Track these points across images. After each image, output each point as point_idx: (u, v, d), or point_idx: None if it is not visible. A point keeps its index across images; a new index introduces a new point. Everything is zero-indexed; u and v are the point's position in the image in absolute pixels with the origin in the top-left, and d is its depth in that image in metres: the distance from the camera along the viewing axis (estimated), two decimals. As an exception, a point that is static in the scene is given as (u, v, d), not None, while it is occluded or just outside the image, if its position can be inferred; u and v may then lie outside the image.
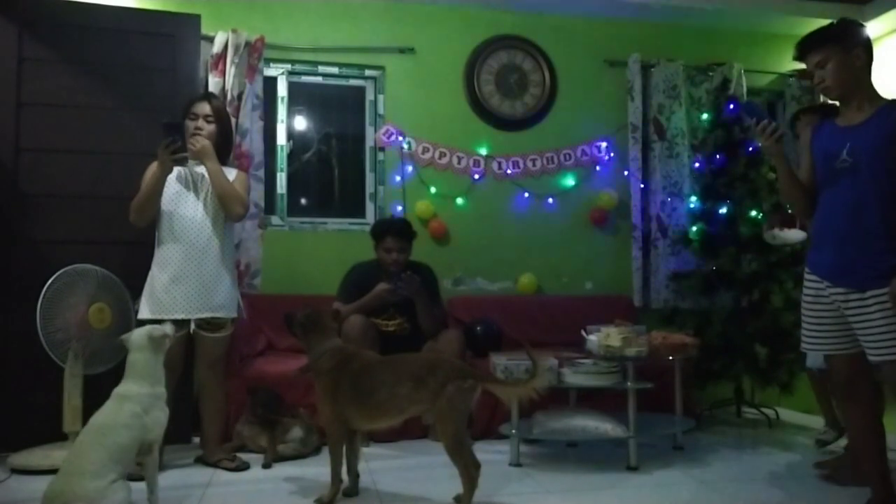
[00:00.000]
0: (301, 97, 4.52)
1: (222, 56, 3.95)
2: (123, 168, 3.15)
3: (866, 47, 2.27)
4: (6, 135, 3.23)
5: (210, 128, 2.98)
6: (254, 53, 4.04)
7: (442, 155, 4.44)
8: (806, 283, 2.40)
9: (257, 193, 3.96)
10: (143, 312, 2.88)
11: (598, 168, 4.65)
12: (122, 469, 2.15)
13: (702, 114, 4.57)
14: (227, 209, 2.93)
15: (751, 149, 3.87)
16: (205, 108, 2.99)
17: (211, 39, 3.93)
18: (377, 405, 2.41)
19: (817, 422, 3.91)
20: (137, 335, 2.39)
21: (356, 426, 2.50)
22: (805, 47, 2.32)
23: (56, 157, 3.29)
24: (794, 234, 3.44)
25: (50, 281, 2.83)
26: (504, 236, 4.49)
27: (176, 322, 2.82)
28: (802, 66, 2.36)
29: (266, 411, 3.14)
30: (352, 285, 3.49)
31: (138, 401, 2.27)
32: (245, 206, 3.01)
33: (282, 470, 2.95)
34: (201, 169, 2.97)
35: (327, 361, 2.51)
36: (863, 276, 2.19)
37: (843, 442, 3.17)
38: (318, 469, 2.82)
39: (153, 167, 2.84)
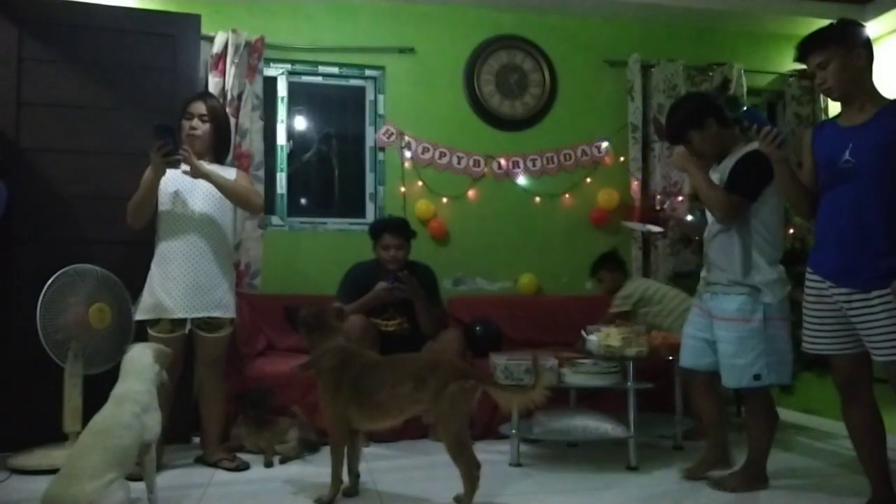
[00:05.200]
0: (301, 97, 4.52)
1: (222, 56, 3.96)
2: (123, 168, 3.14)
3: (867, 47, 2.27)
4: (6, 135, 3.23)
5: (205, 127, 2.98)
6: (254, 53, 4.04)
7: (442, 155, 4.44)
8: (808, 283, 2.40)
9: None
10: (142, 312, 2.88)
11: (598, 168, 4.65)
12: (123, 470, 2.14)
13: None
14: (246, 206, 3.03)
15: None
16: (200, 107, 2.99)
17: (211, 39, 3.93)
18: (378, 405, 2.41)
19: (817, 422, 3.91)
20: (145, 344, 2.50)
21: (357, 426, 2.50)
22: (806, 48, 2.31)
23: (56, 157, 3.29)
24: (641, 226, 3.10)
25: (50, 281, 2.83)
26: (504, 236, 4.49)
27: (174, 321, 2.83)
28: (803, 66, 2.36)
29: (258, 411, 3.14)
30: (351, 285, 3.49)
31: (137, 400, 2.27)
32: (260, 196, 3.18)
33: (282, 470, 2.95)
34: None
35: (329, 360, 2.50)
36: (866, 276, 2.19)
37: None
38: (318, 469, 2.82)
39: (149, 169, 2.84)
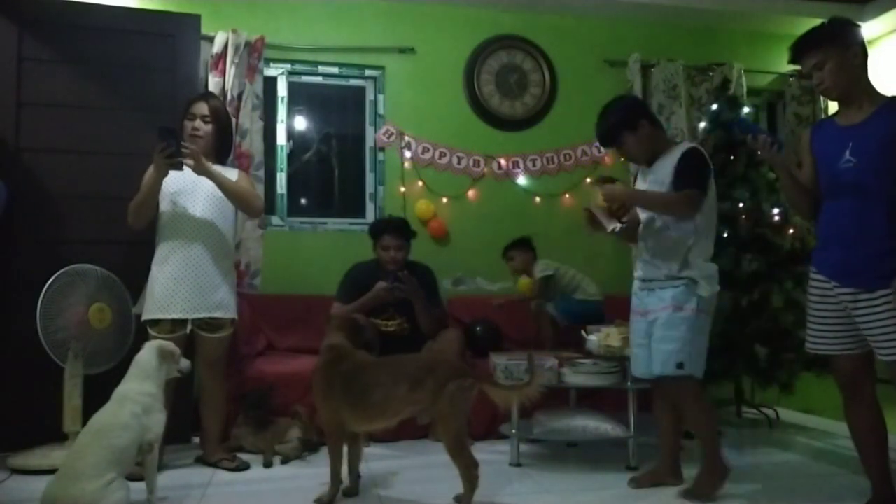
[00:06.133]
0: (301, 97, 4.52)
1: (222, 56, 3.96)
2: (123, 168, 3.14)
3: (862, 45, 2.26)
4: (6, 135, 3.23)
5: (207, 128, 2.98)
6: (254, 53, 4.04)
7: (442, 155, 4.44)
8: (812, 283, 2.38)
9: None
10: (143, 312, 2.88)
11: (598, 168, 4.65)
12: (122, 469, 2.15)
13: (702, 114, 4.58)
14: (246, 208, 3.01)
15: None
16: (202, 108, 2.99)
17: (211, 39, 3.93)
18: (372, 406, 2.40)
19: (817, 422, 3.91)
20: (152, 344, 2.49)
21: (351, 427, 2.48)
22: (801, 49, 2.29)
23: (56, 157, 3.29)
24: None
25: (50, 281, 2.82)
26: (504, 236, 4.46)
27: (174, 322, 2.83)
28: (798, 67, 2.35)
29: (258, 412, 3.15)
30: (351, 285, 3.49)
31: (139, 401, 2.28)
32: (261, 199, 3.24)
33: (282, 470, 2.95)
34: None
35: (319, 358, 2.53)
36: (870, 276, 2.18)
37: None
38: (318, 469, 2.82)
39: (151, 170, 2.84)
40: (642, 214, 2.71)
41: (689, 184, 2.50)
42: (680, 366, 2.50)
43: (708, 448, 2.60)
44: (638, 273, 2.73)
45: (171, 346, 2.54)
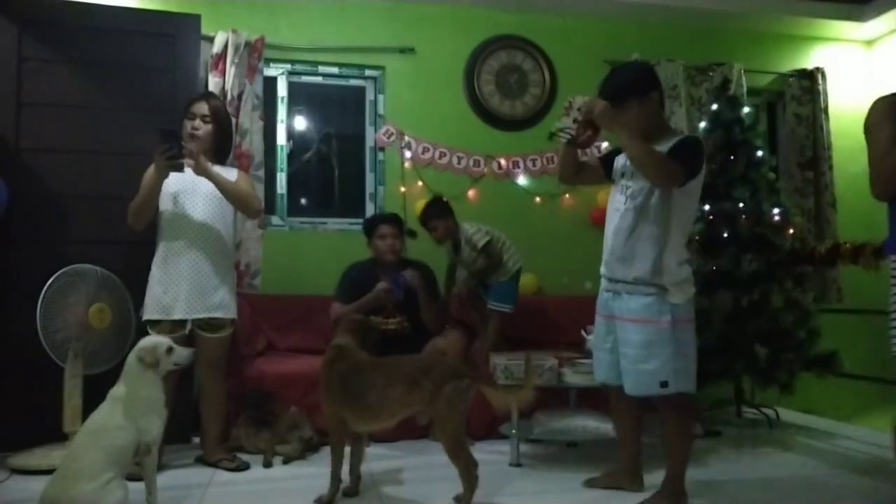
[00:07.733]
0: (301, 97, 4.52)
1: (222, 56, 3.96)
2: (123, 168, 3.14)
3: None
4: (6, 135, 3.23)
5: (207, 128, 2.98)
6: (254, 53, 4.05)
7: (442, 155, 4.44)
8: None
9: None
10: (143, 313, 2.89)
11: (598, 168, 4.65)
12: (120, 469, 2.14)
13: (701, 114, 4.58)
14: (245, 209, 3.02)
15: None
16: (202, 108, 2.99)
17: (211, 39, 3.93)
18: (368, 407, 2.40)
19: (817, 422, 3.91)
20: (145, 344, 2.35)
21: (352, 427, 2.49)
22: None
23: (56, 157, 3.29)
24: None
25: (50, 281, 2.83)
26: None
27: (174, 322, 2.83)
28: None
29: (258, 412, 3.15)
30: (349, 285, 3.49)
31: (133, 403, 2.25)
32: (260, 200, 3.29)
33: (282, 470, 2.95)
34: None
35: (325, 357, 2.54)
36: None
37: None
38: (318, 469, 2.82)
39: (151, 171, 2.84)
40: (619, 202, 2.51)
41: (679, 160, 2.28)
42: (664, 385, 2.31)
43: (676, 470, 2.44)
44: (604, 271, 2.54)
45: (152, 346, 2.36)
